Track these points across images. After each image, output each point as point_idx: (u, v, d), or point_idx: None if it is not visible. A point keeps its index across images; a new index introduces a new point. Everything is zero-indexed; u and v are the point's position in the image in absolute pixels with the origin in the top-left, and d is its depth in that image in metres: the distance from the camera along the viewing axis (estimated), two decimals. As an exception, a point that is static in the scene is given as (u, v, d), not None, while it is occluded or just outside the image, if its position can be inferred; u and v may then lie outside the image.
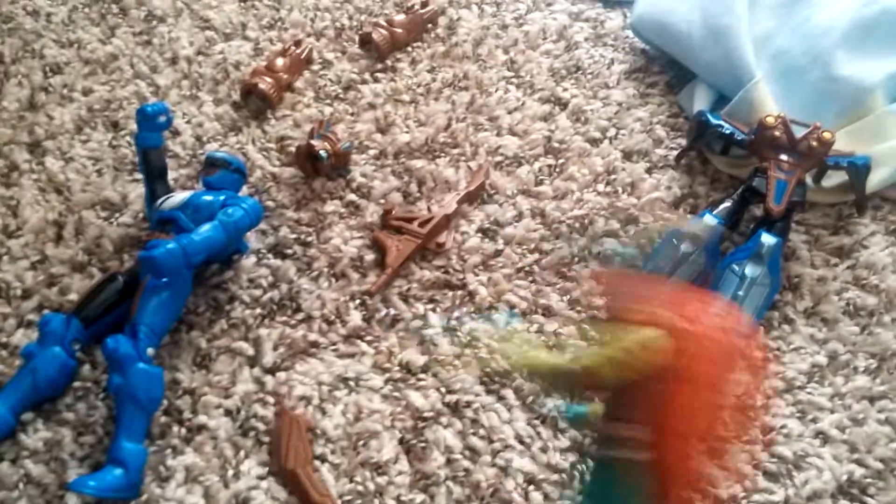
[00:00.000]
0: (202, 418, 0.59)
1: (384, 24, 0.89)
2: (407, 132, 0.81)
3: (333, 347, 0.64)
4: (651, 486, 0.43)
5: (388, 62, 0.88)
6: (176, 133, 0.78)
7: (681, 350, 0.41)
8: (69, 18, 0.90)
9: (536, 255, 0.71)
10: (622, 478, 0.44)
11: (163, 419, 0.59)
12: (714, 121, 0.76)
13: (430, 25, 0.93)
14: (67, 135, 0.78)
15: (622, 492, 0.44)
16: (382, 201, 0.75)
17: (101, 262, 0.68)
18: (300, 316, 0.66)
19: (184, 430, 0.58)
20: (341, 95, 0.85)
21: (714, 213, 0.70)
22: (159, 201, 0.65)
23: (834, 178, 0.76)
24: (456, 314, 0.66)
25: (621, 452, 0.44)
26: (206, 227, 0.60)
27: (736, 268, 0.66)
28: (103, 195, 0.72)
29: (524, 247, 0.72)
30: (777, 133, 0.71)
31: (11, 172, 0.74)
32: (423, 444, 0.59)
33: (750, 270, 0.66)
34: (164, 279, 0.58)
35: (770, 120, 0.72)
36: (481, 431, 0.60)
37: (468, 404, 0.61)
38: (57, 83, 0.82)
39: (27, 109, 0.79)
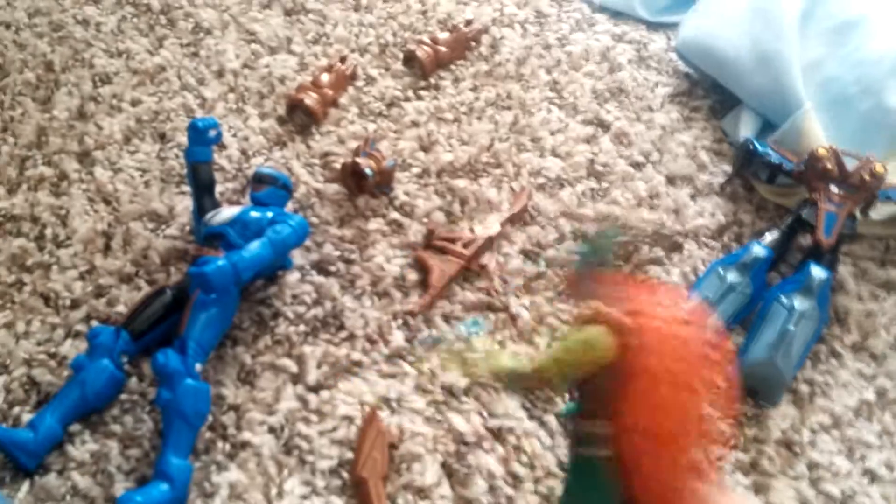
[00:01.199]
0: (246, 435, 0.59)
1: (428, 41, 0.89)
2: (450, 151, 0.81)
3: (376, 367, 0.64)
4: (617, 482, 0.43)
5: (432, 80, 0.89)
6: (222, 147, 0.78)
7: (625, 345, 0.41)
8: (118, 28, 0.92)
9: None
10: (594, 475, 0.44)
11: (208, 434, 0.59)
12: (761, 149, 0.75)
13: (473, 44, 0.93)
14: (116, 145, 0.79)
15: (595, 489, 0.44)
16: (425, 220, 0.75)
17: (149, 273, 0.68)
18: (343, 334, 0.66)
19: (228, 446, 0.59)
20: (384, 112, 0.85)
21: (762, 242, 0.69)
22: (208, 216, 0.66)
23: (882, 210, 0.75)
24: (423, 336, 0.66)
25: (589, 450, 0.44)
26: (255, 245, 0.60)
27: (785, 300, 0.65)
28: (151, 207, 0.73)
29: (566, 270, 0.72)
30: (828, 165, 0.70)
31: (61, 181, 0.75)
32: (465, 470, 0.58)
33: (799, 303, 0.65)
34: (214, 295, 0.59)
35: (822, 151, 0.71)
36: (524, 458, 0.59)
37: (510, 430, 0.61)
38: (106, 93, 0.83)
39: (77, 119, 0.80)
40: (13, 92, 0.82)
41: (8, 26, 0.90)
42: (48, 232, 0.70)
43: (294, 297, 0.68)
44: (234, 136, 0.81)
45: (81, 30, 0.91)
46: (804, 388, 0.65)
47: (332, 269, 0.70)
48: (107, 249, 0.70)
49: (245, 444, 0.59)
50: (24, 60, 0.86)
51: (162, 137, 0.80)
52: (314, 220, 0.74)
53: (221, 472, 0.57)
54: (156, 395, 0.56)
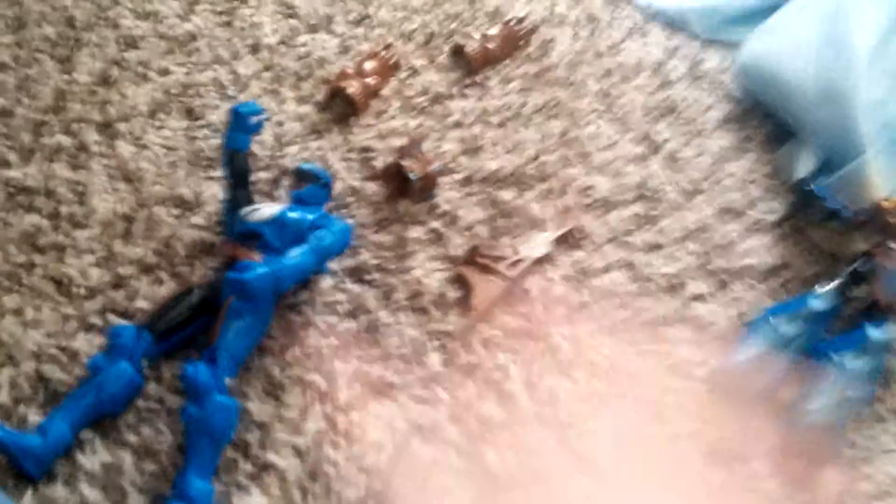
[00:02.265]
0: (271, 456, 0.55)
1: (478, 36, 0.84)
2: (494, 159, 0.77)
3: (410, 391, 0.60)
4: None
5: (478, 78, 0.84)
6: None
7: None
8: (146, -14, 0.85)
9: (626, 313, 0.67)
10: None
11: (229, 453, 0.55)
12: (818, 191, 0.72)
13: (522, 43, 0.88)
14: (141, 118, 0.73)
15: None
16: (467, 233, 0.71)
17: (172, 266, 0.64)
18: (377, 351, 0.62)
19: (250, 467, 0.55)
20: (427, 108, 0.80)
21: (819, 295, 0.66)
22: (244, 211, 0.61)
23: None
24: None
25: None
26: (297, 252, 0.56)
27: (837, 358, 0.62)
28: (176, 191, 0.68)
29: (612, 302, 0.68)
30: (892, 220, 0.67)
31: (80, 153, 0.69)
32: (499, 513, 0.55)
33: (853, 363, 0.62)
34: (250, 304, 0.54)
35: (887, 204, 0.68)
36: (561, 505, 0.56)
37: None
38: (132, 59, 0.77)
39: (99, 84, 0.75)
40: (30, 47, 0.75)
41: (27, -29, 0.83)
42: (64, 210, 0.65)
43: (326, 305, 0.64)
44: (268, 119, 0.75)
45: (106, -17, 0.85)
46: (847, 452, 0.62)
47: (368, 278, 0.66)
48: (127, 235, 0.65)
49: (269, 467, 0.55)
50: (42, 13, 0.79)
51: (190, 114, 0.75)
52: (350, 221, 0.69)
53: (243, 495, 0.53)
54: (182, 409, 0.52)
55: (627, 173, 0.78)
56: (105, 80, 0.75)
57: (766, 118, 0.85)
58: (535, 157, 0.78)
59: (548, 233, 0.71)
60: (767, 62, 0.84)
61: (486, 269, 0.67)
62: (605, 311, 0.67)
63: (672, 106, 0.85)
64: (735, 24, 0.94)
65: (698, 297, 0.70)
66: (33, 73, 0.73)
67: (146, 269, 0.63)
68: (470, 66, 0.84)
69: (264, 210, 0.61)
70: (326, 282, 0.65)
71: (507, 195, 0.74)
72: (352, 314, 0.64)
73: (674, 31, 0.94)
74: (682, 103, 0.86)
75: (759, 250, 0.74)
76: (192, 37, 0.81)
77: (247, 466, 0.55)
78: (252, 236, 0.59)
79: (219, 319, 0.55)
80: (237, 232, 0.61)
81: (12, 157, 0.67)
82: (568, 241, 0.72)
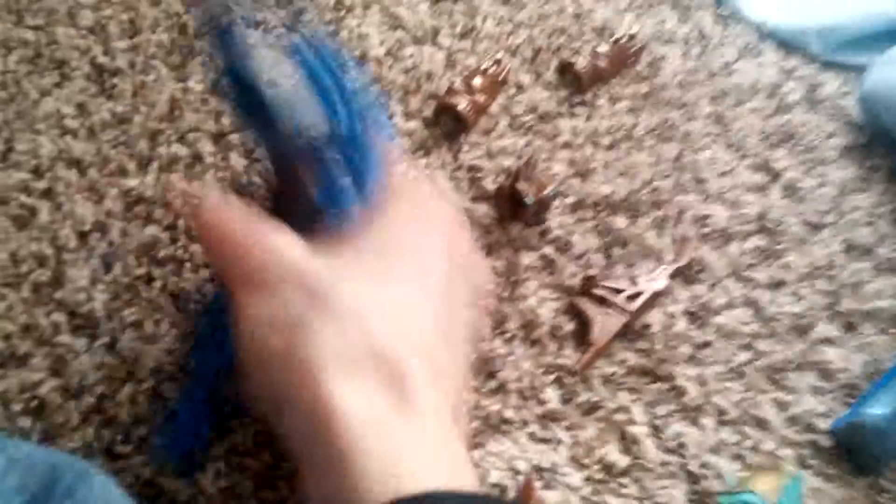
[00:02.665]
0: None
1: (586, 53, 0.82)
2: (607, 182, 0.74)
3: (528, 429, 0.58)
4: None
5: (587, 96, 0.81)
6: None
7: None
8: (254, -6, 0.84)
9: (749, 354, 0.64)
10: None
11: None
12: (958, 230, 0.67)
13: (631, 60, 0.85)
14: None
15: None
16: (580, 261, 0.68)
17: (286, 285, 0.62)
18: (493, 384, 0.60)
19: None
20: (535, 127, 0.78)
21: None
22: None
23: None
24: None
25: None
26: None
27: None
28: (289, 207, 0.67)
29: (735, 341, 0.65)
30: None
31: (196, 163, 0.68)
32: (627, 567, 0.53)
33: None
34: None
35: None
36: (691, 562, 0.53)
37: (676, 525, 0.55)
38: (244, 68, 0.76)
39: (210, 93, 0.74)
40: (146, 53, 0.75)
41: (139, -23, 0.83)
42: (181, 222, 0.64)
43: (441, 333, 0.62)
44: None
45: (215, -9, 0.84)
46: None
47: (481, 304, 0.64)
48: (241, 251, 0.64)
49: None
50: (156, 19, 0.79)
51: (300, 126, 0.74)
52: (462, 244, 0.67)
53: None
54: None
55: (747, 203, 0.74)
56: (216, 89, 0.74)
57: (893, 148, 0.80)
58: (649, 182, 0.75)
59: (665, 265, 0.68)
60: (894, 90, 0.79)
61: (603, 302, 0.64)
62: (729, 352, 0.64)
63: (790, 132, 0.81)
64: (857, 46, 0.89)
65: (825, 341, 0.66)
66: (149, 79, 0.73)
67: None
68: (578, 83, 0.81)
69: None
70: (440, 308, 0.63)
71: (620, 222, 0.71)
72: (466, 343, 0.61)
73: (789, 51, 0.90)
74: (801, 129, 0.82)
75: (890, 292, 0.70)
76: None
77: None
78: None
79: None
80: None
81: (131, 166, 0.67)
82: (686, 273, 0.69)
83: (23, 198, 0.64)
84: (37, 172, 0.65)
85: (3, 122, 0.68)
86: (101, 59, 0.74)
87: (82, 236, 0.62)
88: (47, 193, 0.64)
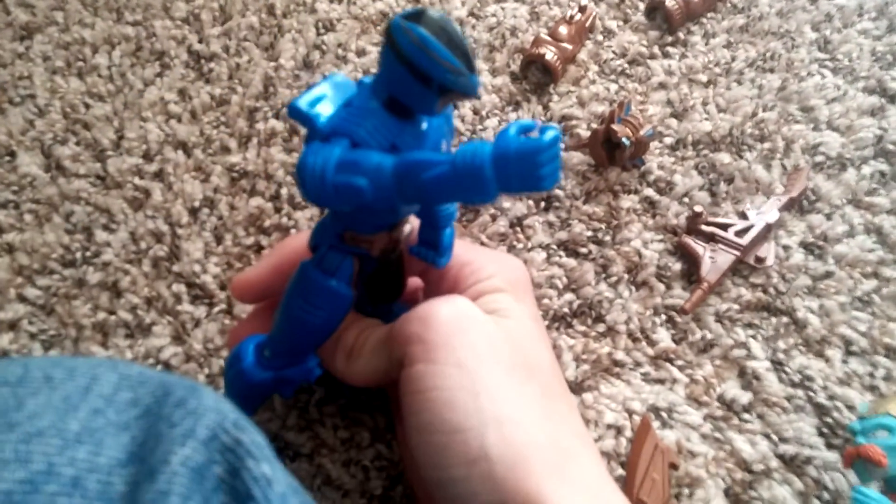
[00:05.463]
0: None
1: (677, -10, 0.78)
2: (707, 119, 0.71)
3: (642, 370, 0.57)
4: None
5: (680, 35, 0.78)
6: (454, 106, 0.72)
7: None
8: (334, -30, 0.86)
9: (875, 283, 0.60)
10: None
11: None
12: None
13: (724, -7, 0.81)
14: (343, 99, 0.73)
15: None
16: (686, 200, 0.65)
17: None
18: (601, 328, 0.59)
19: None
20: (627, 71, 0.75)
21: None
22: None
23: None
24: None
25: None
26: None
27: None
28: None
29: (858, 269, 0.61)
30: None
31: (292, 136, 0.70)
32: (756, 502, 0.50)
33: None
34: None
35: None
36: (825, 495, 0.51)
37: (808, 460, 0.52)
38: (330, 41, 0.78)
39: (302, 68, 0.76)
40: (238, 37, 0.78)
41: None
42: (283, 192, 0.66)
43: (543, 280, 0.61)
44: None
45: (297, -29, 0.86)
46: None
47: (583, 250, 0.63)
48: (342, 214, 0.65)
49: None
50: (245, 3, 0.82)
51: (388, 92, 0.74)
52: (558, 192, 0.66)
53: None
54: None
55: (862, 127, 0.69)
56: (307, 65, 0.76)
57: None
58: (753, 115, 0.71)
59: (776, 197, 0.64)
60: None
61: (711, 238, 0.61)
62: (853, 282, 0.60)
63: (906, 49, 0.75)
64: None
65: (960, 264, 0.61)
66: (243, 61, 0.75)
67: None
68: (669, 23, 0.78)
69: None
70: (539, 255, 0.62)
71: (724, 158, 0.68)
72: (569, 288, 0.61)
73: (899, -35, 0.83)
74: (918, 46, 0.75)
75: None
76: (384, 15, 0.80)
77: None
78: None
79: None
80: None
81: (232, 143, 0.69)
82: (800, 204, 0.65)
83: (136, 180, 0.67)
84: (147, 157, 0.69)
85: (112, 113, 0.72)
86: (197, 47, 0.77)
87: (193, 212, 0.65)
88: (158, 175, 0.68)
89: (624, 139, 0.65)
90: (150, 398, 0.31)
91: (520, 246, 0.63)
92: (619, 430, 0.53)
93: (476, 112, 0.72)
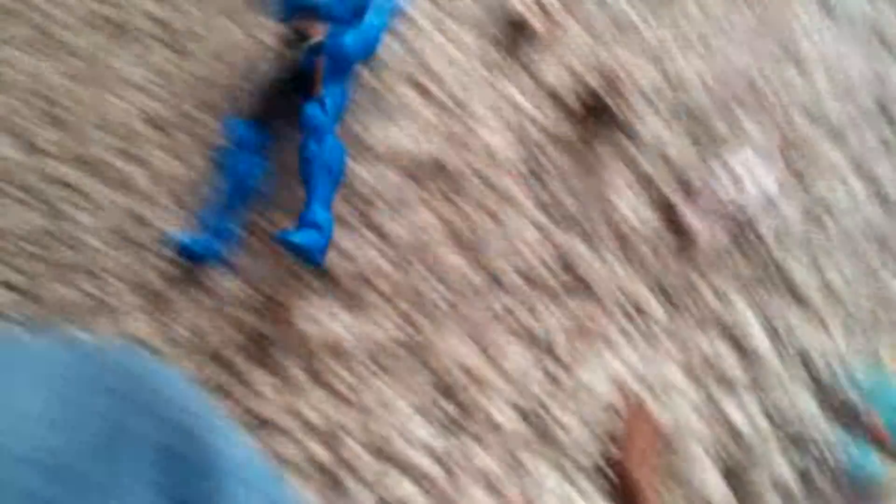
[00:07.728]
0: (497, 416, 0.53)
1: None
2: (701, 88, 0.68)
3: (633, 344, 0.55)
4: None
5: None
6: None
7: None
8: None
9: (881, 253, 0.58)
10: None
11: (452, 408, 0.53)
12: None
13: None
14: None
15: None
16: (677, 170, 0.63)
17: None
18: (592, 301, 0.57)
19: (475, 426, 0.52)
20: (616, 37, 0.72)
21: None
22: None
23: None
24: None
25: None
26: (373, 17, 0.61)
27: None
28: None
29: (862, 241, 0.59)
30: None
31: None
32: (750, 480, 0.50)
33: None
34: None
35: None
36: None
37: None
38: None
39: None
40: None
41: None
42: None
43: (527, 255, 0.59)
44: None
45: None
46: None
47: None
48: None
49: (497, 426, 0.52)
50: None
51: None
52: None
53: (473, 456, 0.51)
54: (302, 145, 0.56)
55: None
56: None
57: None
58: (749, 79, 0.68)
59: (771, 162, 0.62)
60: None
61: (706, 208, 0.60)
62: (860, 250, 0.58)
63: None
64: None
65: None
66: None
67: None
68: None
69: None
70: (531, 233, 0.60)
71: (719, 127, 0.65)
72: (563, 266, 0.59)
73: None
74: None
75: None
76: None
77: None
78: (307, 11, 0.60)
79: (317, 75, 0.58)
80: (291, 8, 0.61)
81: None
82: (799, 173, 0.63)
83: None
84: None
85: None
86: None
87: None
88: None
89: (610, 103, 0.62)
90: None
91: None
92: (615, 412, 0.52)
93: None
